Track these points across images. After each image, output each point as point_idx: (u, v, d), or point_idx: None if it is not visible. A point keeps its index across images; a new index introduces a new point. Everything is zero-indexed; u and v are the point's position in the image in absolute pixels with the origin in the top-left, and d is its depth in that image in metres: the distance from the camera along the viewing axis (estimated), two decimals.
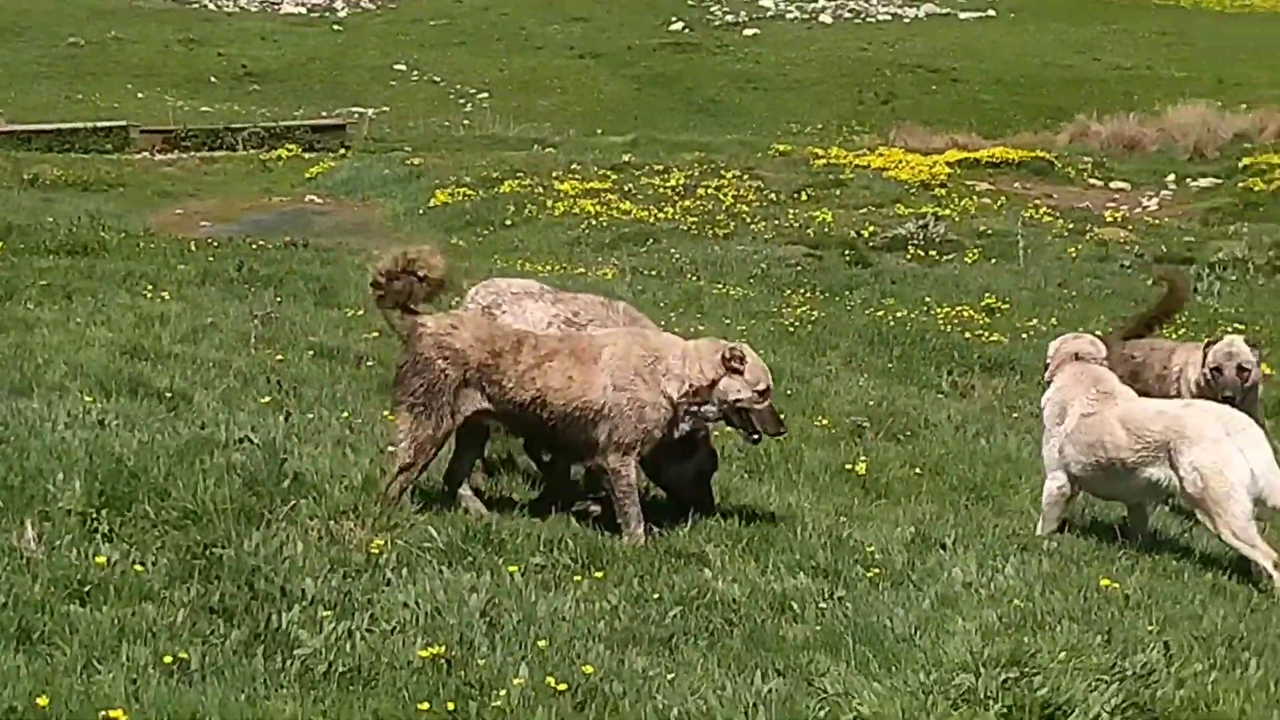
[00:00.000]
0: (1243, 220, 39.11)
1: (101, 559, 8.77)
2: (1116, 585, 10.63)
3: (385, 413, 13.33)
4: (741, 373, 11.28)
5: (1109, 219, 39.05)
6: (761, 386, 11.34)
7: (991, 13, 66.64)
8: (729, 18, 64.18)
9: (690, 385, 11.11)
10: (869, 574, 10.44)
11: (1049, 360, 13.56)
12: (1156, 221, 39.66)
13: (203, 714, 7.22)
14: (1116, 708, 8.16)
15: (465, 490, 11.45)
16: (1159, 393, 14.66)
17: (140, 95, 52.76)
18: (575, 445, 11.25)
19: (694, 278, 28.22)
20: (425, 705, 7.55)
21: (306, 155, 47.58)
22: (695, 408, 11.27)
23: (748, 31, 63.23)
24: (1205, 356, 14.60)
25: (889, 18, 65.08)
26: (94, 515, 9.38)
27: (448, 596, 8.85)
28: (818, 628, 9.27)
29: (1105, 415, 12.59)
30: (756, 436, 11.61)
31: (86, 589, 8.49)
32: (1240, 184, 43.67)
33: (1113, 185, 45.63)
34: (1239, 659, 9.34)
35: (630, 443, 11.09)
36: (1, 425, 10.58)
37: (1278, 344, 20.95)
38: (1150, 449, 12.08)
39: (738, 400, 11.23)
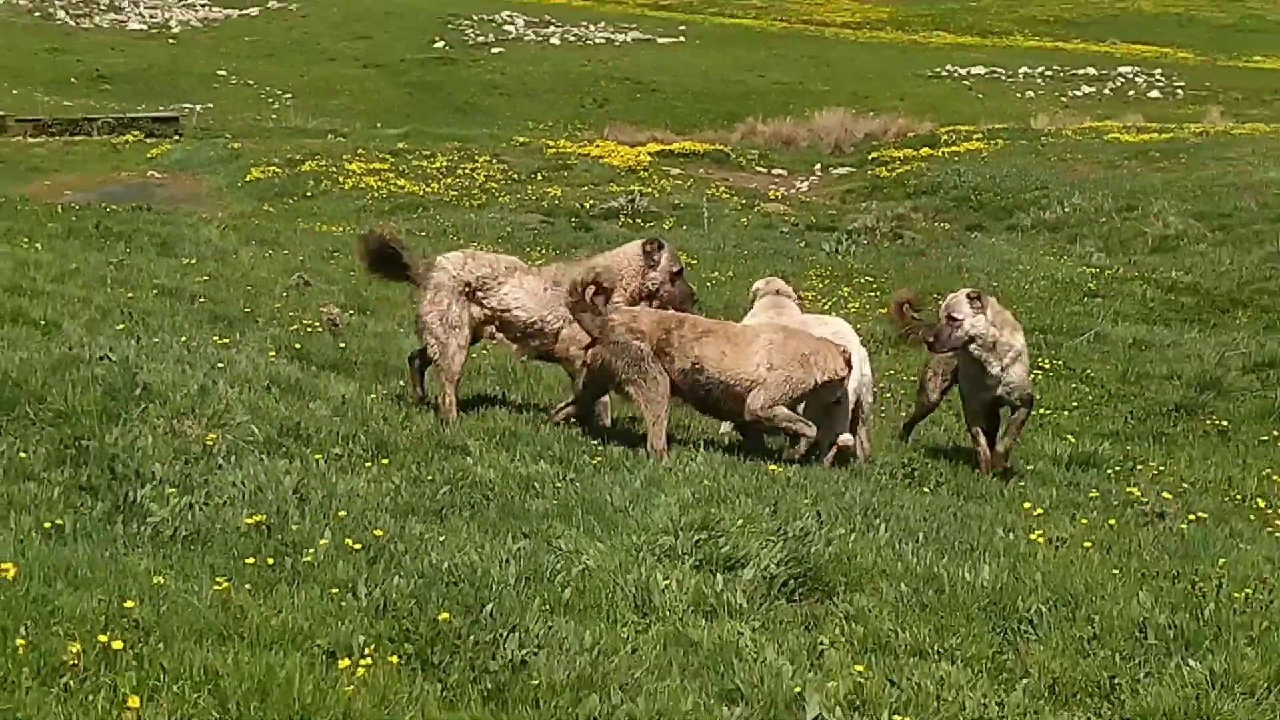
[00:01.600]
0: (871, 199, 39.90)
1: None
2: (780, 470, 10.83)
3: (215, 337, 13.17)
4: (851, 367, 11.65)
5: (771, 197, 39.58)
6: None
7: (682, 39, 66.95)
8: (479, 39, 63.78)
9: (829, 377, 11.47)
10: (593, 461, 10.53)
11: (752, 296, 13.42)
12: (807, 200, 40.33)
13: (75, 567, 7.12)
14: (782, 560, 8.34)
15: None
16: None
17: (15, 92, 51.26)
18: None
19: (455, 238, 28.09)
20: (251, 560, 7.51)
21: (148, 140, 46.75)
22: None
23: (495, 50, 62.88)
24: None
25: (604, 41, 65.08)
26: None
27: (266, 478, 8.81)
28: (555, 502, 9.33)
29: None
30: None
31: None
32: (869, 172, 44.55)
33: (774, 172, 46.31)
34: (872, 524, 9.58)
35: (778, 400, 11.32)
36: None
37: (892, 290, 21.34)
38: None
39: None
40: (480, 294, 11.66)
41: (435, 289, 11.62)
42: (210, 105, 52.50)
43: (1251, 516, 12.19)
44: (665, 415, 11.12)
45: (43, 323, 12.59)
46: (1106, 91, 56.09)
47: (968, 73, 61.45)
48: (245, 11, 66.73)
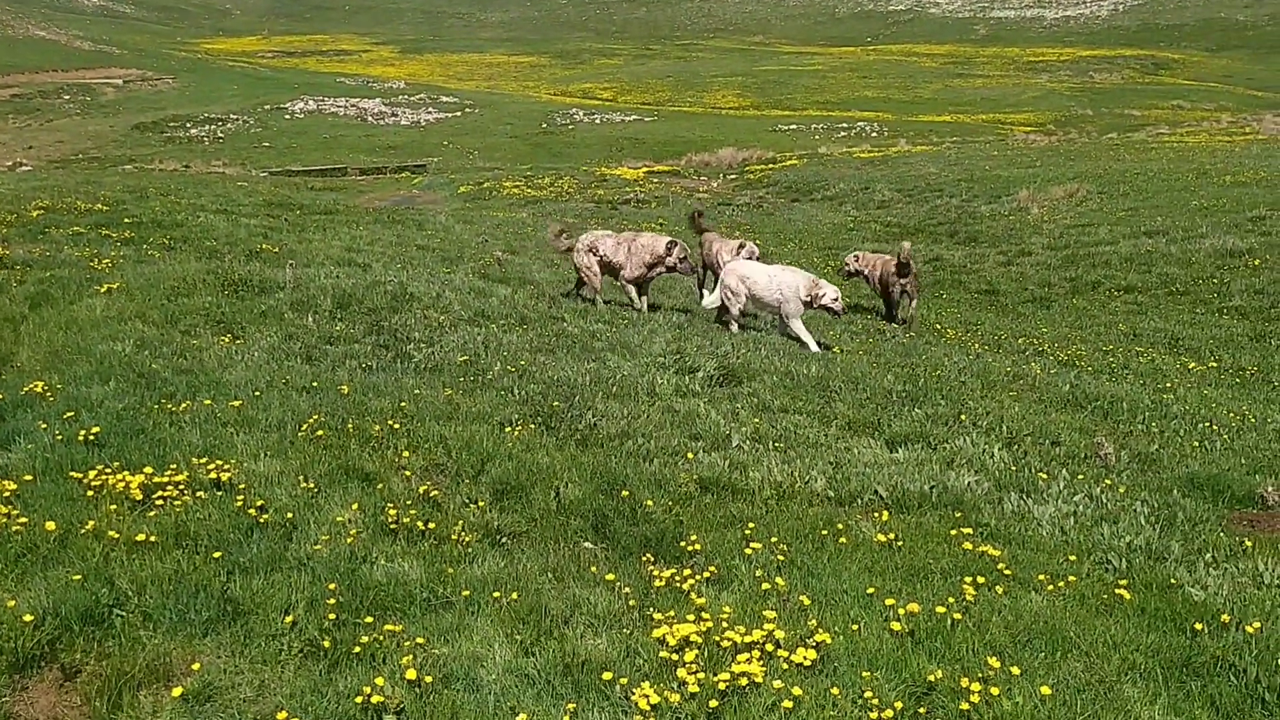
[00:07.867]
0: (746, 189, 38.48)
1: (339, 327, 8.08)
2: (739, 335, 10.21)
3: (443, 269, 12.47)
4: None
5: (700, 190, 38.17)
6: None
7: (655, 118, 64.82)
8: (562, 123, 61.78)
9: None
10: (622, 324, 9.87)
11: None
12: (719, 190, 38.94)
13: (376, 385, 6.60)
14: (716, 367, 7.79)
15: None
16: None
17: (349, 156, 49.73)
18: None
19: (553, 217, 26.93)
20: (462, 378, 6.99)
21: (411, 176, 45.11)
22: None
23: (569, 126, 60.83)
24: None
25: (619, 120, 62.99)
26: (334, 311, 8.57)
27: (468, 337, 8.22)
28: (606, 343, 8.71)
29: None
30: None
31: (331, 339, 7.79)
32: (745, 177, 42.87)
33: (700, 178, 44.42)
34: (756, 349, 9.00)
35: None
36: (295, 280, 9.39)
37: (763, 235, 20.46)
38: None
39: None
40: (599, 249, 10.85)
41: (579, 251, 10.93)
42: (438, 159, 50.70)
43: (935, 334, 11.68)
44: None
45: (363, 265, 11.95)
46: (852, 134, 54.28)
47: (788, 128, 59.33)
48: (454, 114, 64.77)
